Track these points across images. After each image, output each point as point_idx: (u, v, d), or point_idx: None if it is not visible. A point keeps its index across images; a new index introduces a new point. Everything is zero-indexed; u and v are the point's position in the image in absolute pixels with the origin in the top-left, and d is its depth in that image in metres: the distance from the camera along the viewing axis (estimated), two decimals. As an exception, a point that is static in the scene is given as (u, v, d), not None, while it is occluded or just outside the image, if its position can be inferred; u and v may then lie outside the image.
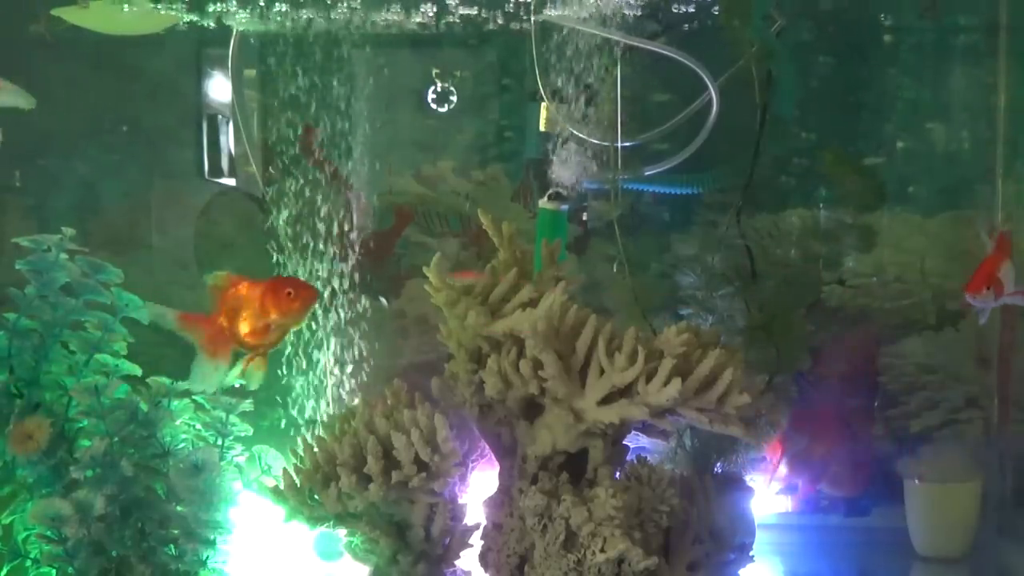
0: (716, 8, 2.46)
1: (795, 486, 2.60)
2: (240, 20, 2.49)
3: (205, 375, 2.08)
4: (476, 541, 1.94)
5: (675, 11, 2.48)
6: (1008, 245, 2.19)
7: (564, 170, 2.31)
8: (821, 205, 2.62)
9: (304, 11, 2.42)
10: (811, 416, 2.54)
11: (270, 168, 2.56)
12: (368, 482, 1.81)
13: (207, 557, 2.07)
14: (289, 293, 2.04)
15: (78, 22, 2.45)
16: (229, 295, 2.07)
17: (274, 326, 2.05)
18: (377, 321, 2.50)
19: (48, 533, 1.99)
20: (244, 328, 2.05)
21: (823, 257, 2.54)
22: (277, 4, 2.41)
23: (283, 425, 2.41)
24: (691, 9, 2.48)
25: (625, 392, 1.79)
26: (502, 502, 1.91)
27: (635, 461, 1.91)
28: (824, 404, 2.56)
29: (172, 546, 2.05)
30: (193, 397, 2.17)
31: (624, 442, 1.94)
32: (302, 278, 2.39)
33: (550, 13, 2.32)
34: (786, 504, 2.60)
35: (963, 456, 2.48)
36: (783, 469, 2.56)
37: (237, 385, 2.18)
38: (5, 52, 2.68)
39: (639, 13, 2.33)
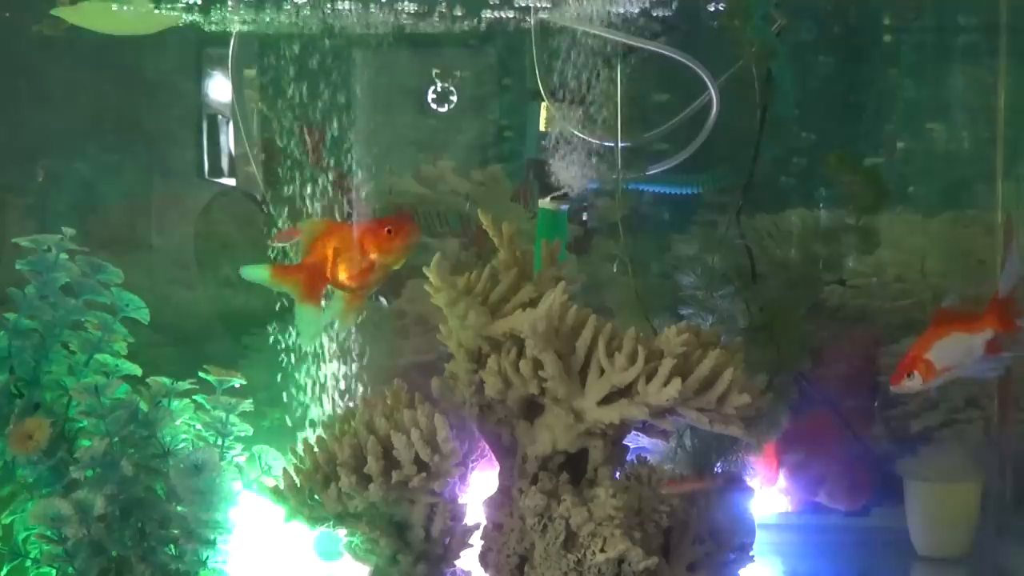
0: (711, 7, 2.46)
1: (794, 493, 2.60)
2: (240, 20, 2.48)
3: (307, 322, 2.07)
4: (476, 541, 1.94)
5: (676, 11, 2.47)
6: (947, 318, 2.07)
7: (566, 170, 2.31)
8: (821, 205, 2.62)
9: (304, 10, 2.42)
10: (809, 425, 2.53)
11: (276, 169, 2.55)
12: (368, 482, 1.81)
13: (207, 557, 2.07)
14: (388, 231, 2.02)
15: (78, 22, 2.45)
16: (324, 241, 2.04)
17: (376, 266, 2.02)
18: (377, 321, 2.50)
19: (48, 533, 1.99)
20: (344, 271, 2.03)
21: (823, 257, 2.54)
22: (277, 4, 2.40)
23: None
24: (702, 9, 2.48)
25: (625, 392, 1.79)
26: (502, 502, 1.91)
27: (635, 461, 1.91)
28: (823, 412, 2.55)
29: (172, 546, 2.05)
30: (193, 397, 2.17)
31: (624, 442, 1.94)
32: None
33: (550, 13, 2.32)
34: (786, 504, 2.60)
35: (963, 456, 2.48)
36: (781, 480, 2.55)
37: (237, 386, 2.18)
38: (5, 52, 2.68)
39: (668, 12, 2.32)
